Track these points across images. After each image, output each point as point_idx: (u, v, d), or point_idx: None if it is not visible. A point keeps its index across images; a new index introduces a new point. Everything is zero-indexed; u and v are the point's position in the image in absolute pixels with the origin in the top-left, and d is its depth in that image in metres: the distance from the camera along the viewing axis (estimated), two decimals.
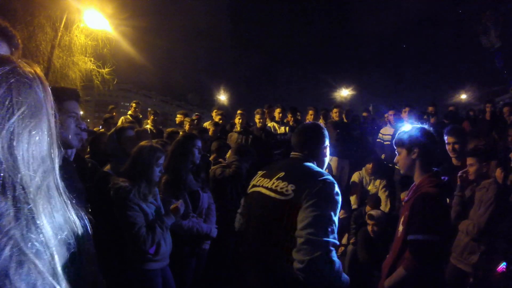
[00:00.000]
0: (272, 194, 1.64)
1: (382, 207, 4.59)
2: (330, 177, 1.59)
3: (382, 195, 4.93)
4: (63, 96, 1.46)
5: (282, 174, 1.69)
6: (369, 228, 3.96)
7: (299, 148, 1.83)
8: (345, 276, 1.56)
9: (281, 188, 1.61)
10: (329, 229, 1.44)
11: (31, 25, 8.11)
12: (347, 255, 4.21)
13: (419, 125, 2.03)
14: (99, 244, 1.43)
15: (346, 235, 4.56)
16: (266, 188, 1.70)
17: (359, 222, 4.46)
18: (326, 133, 1.89)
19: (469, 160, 2.82)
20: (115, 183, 2.12)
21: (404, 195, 3.82)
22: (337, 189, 1.57)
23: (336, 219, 1.50)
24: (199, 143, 2.84)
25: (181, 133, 4.26)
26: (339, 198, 1.56)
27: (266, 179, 1.75)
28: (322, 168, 1.81)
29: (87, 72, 9.49)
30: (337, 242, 1.48)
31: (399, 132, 2.06)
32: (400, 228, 1.96)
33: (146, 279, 2.21)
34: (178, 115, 7.11)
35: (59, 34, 8.63)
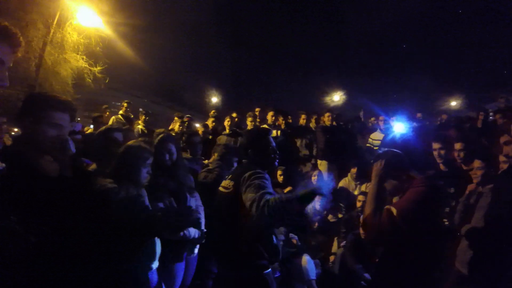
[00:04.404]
0: (222, 190, 2.22)
1: None
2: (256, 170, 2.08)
3: None
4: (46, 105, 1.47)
5: (231, 175, 2.26)
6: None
7: (243, 156, 2.34)
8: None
9: (227, 185, 2.19)
10: (260, 187, 1.94)
11: (23, 20, 7.98)
12: (337, 258, 4.24)
13: (399, 133, 2.12)
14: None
15: (336, 239, 4.59)
16: (222, 186, 2.27)
17: (349, 226, 4.51)
18: (260, 137, 2.30)
19: (477, 163, 2.74)
20: (102, 185, 1.97)
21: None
22: (261, 171, 2.07)
23: (262, 182, 1.97)
24: (169, 146, 2.65)
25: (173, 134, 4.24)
26: (264, 174, 2.06)
27: (224, 180, 2.30)
28: (267, 168, 2.28)
29: (79, 70, 9.38)
30: (269, 191, 1.95)
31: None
32: None
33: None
34: (176, 118, 6.98)
35: (52, 31, 8.51)
